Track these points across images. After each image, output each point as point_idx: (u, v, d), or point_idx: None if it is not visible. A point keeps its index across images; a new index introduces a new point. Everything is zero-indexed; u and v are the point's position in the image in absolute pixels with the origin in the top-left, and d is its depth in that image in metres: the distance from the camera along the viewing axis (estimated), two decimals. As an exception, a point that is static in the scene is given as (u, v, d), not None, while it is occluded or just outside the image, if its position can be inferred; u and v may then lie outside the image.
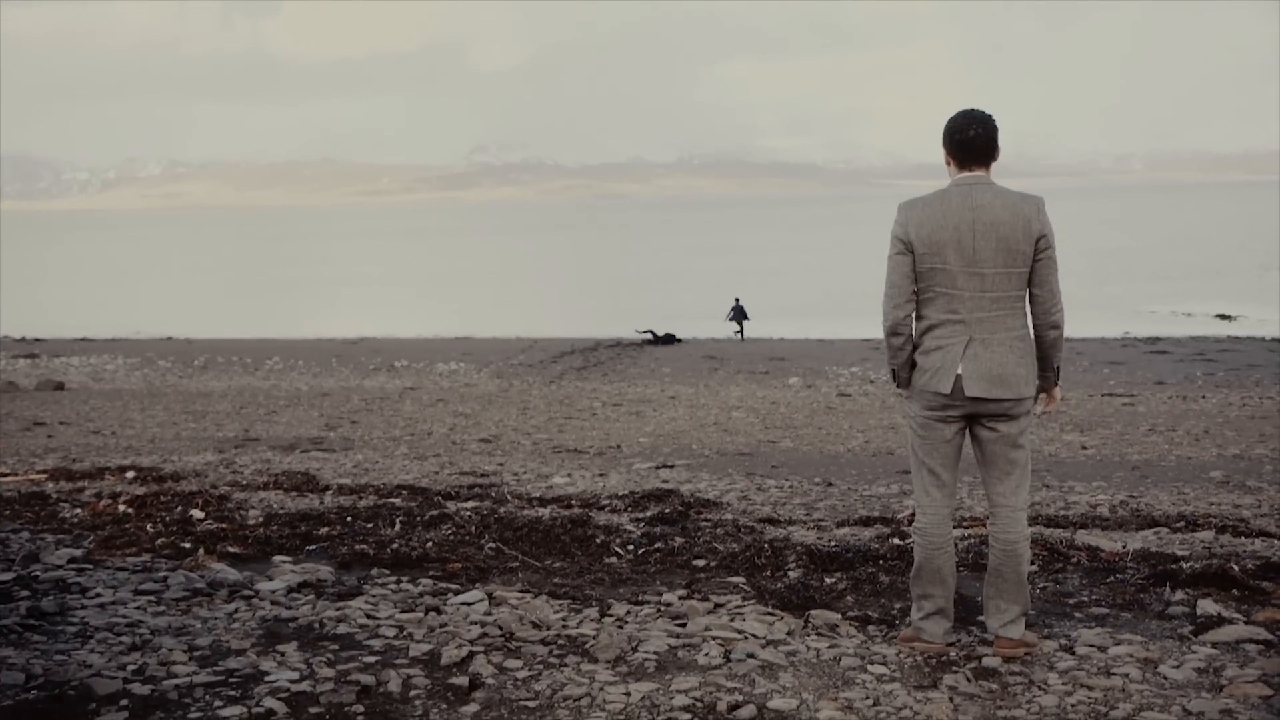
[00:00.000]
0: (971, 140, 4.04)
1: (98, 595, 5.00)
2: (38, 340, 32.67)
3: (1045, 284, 4.04)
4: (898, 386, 4.25)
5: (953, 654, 4.16)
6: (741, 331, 32.70)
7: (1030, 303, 4.09)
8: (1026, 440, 4.14)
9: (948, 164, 4.12)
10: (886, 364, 4.25)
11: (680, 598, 4.98)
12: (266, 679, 3.97)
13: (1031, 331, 4.12)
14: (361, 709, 3.73)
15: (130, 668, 4.07)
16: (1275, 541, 6.10)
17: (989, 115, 4.07)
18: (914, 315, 4.14)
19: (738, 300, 33.31)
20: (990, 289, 4.00)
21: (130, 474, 8.92)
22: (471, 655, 4.19)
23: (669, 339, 29.51)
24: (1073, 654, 4.15)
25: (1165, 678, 3.90)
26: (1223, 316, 34.63)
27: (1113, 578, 5.17)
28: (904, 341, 4.14)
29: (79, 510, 7.04)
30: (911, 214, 4.06)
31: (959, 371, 4.03)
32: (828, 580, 5.26)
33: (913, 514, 7.07)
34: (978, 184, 4.04)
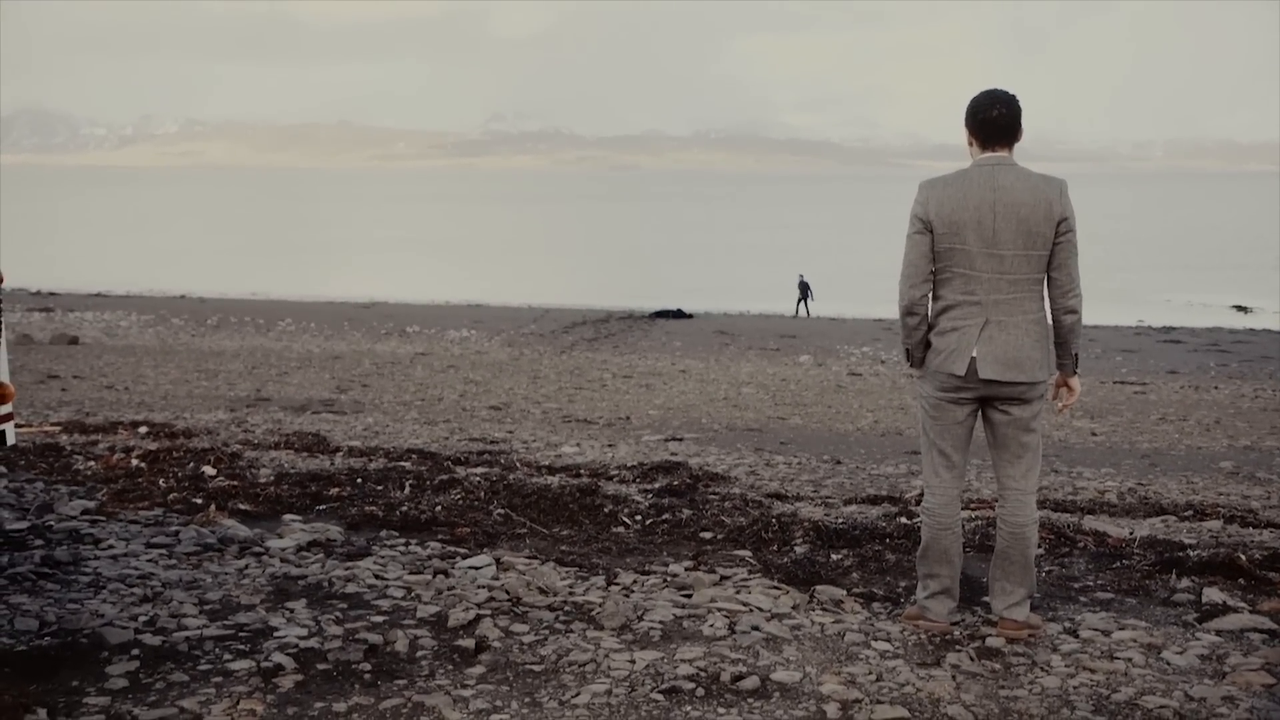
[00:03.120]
0: (995, 120, 4.01)
1: (110, 547, 5.05)
2: (52, 294, 32.81)
3: (1064, 268, 4.02)
4: (911, 366, 4.23)
5: (956, 633, 4.18)
6: (799, 306, 32.51)
7: (1048, 286, 4.06)
8: (1039, 424, 4.14)
9: (970, 144, 4.08)
10: (900, 343, 4.23)
11: (686, 569, 5.01)
12: (275, 634, 4.02)
13: (1049, 316, 4.10)
14: (369, 667, 3.77)
15: (142, 619, 4.12)
16: (1283, 533, 6.09)
17: (1013, 95, 4.04)
18: (930, 295, 4.12)
19: (802, 276, 33.07)
20: (1009, 271, 3.98)
21: (143, 429, 8.97)
22: (478, 619, 4.22)
23: (679, 313, 29.52)
24: (1076, 637, 4.16)
25: (1168, 663, 3.92)
26: (1239, 308, 34.44)
27: (1119, 563, 5.17)
28: (919, 321, 4.12)
29: (92, 463, 7.09)
30: (932, 193, 4.03)
31: (974, 354, 4.00)
32: (834, 556, 5.28)
33: (920, 494, 7.09)
34: (1000, 165, 4.01)
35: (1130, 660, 3.93)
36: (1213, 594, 4.62)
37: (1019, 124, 4.03)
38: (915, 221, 4.04)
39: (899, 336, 4.22)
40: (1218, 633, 4.24)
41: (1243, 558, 5.09)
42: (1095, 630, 4.23)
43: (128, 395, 13.19)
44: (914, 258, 4.05)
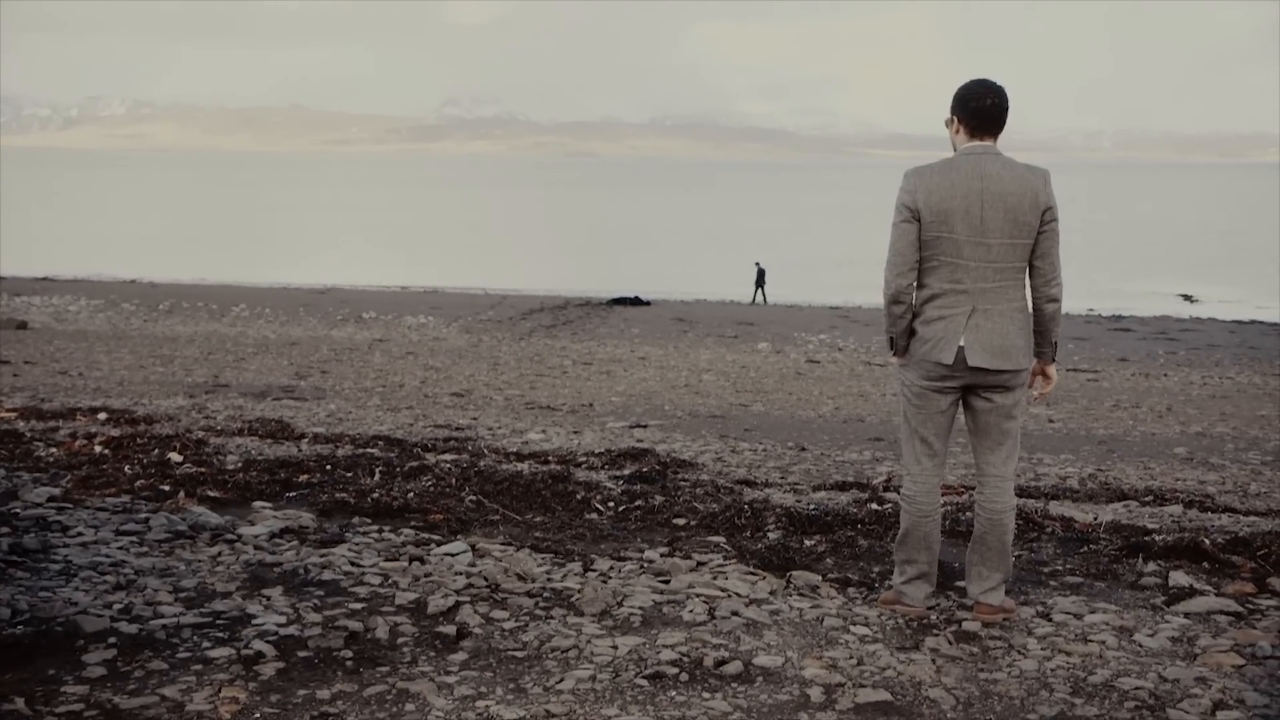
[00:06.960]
0: (987, 110, 4.03)
1: (79, 534, 4.97)
2: (-2, 278, 32.15)
3: (1047, 256, 4.06)
4: (894, 355, 4.25)
5: (933, 618, 4.22)
6: (756, 293, 32.56)
7: (1030, 274, 4.10)
8: (1019, 412, 4.18)
9: (955, 132, 4.11)
10: (885, 331, 4.25)
11: (662, 555, 5.02)
12: (254, 622, 3.98)
13: (1029, 304, 4.15)
14: (350, 654, 3.75)
15: (116, 606, 4.06)
16: (1241, 517, 6.23)
17: (1002, 86, 4.07)
18: (915, 284, 4.14)
19: (759, 264, 33.12)
20: (995, 259, 4.01)
21: (103, 415, 8.84)
22: (458, 605, 4.21)
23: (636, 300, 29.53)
24: (1050, 621, 4.23)
25: (1141, 645, 3.99)
26: (1185, 297, 35.06)
27: (1086, 548, 5.26)
28: (905, 310, 4.13)
29: (54, 449, 6.97)
30: (920, 182, 4.04)
31: (961, 342, 4.03)
32: (807, 542, 5.32)
33: (887, 480, 7.16)
34: (986, 154, 4.04)
35: (1104, 643, 4.00)
36: (1179, 577, 4.71)
37: (1006, 114, 4.07)
38: (902, 210, 4.06)
39: (885, 324, 4.22)
40: (1186, 615, 4.32)
41: (1206, 542, 5.19)
42: (1068, 614, 4.29)
43: (83, 381, 12.97)
44: (901, 246, 4.07)
